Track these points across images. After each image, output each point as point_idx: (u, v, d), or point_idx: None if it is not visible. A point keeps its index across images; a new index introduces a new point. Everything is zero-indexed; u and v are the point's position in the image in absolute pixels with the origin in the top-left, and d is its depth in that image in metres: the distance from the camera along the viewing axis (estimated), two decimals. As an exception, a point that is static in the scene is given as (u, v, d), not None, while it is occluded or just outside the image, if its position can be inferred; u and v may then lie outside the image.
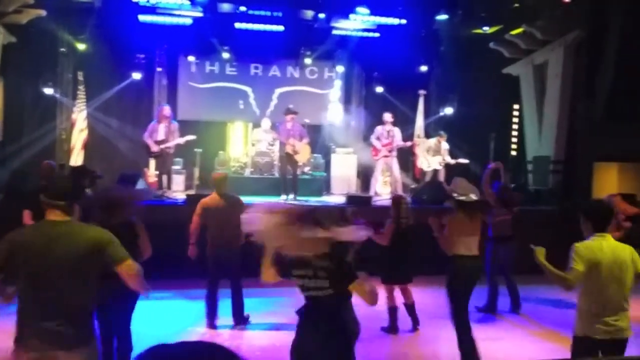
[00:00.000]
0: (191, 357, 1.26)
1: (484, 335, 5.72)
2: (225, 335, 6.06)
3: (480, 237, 5.52)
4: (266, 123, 12.27)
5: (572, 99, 11.54)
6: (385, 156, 11.11)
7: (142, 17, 11.65)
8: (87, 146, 11.90)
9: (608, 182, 12.36)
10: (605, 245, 3.73)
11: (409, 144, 11.46)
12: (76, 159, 11.69)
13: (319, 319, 3.20)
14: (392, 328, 6.23)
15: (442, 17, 11.26)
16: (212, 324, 6.22)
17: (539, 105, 12.31)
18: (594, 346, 3.67)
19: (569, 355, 3.88)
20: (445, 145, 11.56)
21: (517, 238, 6.93)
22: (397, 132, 11.22)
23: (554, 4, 10.80)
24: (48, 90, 11.63)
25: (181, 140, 10.05)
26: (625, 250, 3.77)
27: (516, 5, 11.13)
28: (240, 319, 6.35)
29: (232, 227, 5.94)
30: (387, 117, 11.25)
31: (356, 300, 3.28)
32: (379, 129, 11.28)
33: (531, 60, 12.42)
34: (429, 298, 6.84)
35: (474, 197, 5.35)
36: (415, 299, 6.37)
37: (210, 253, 6.25)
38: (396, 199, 6.46)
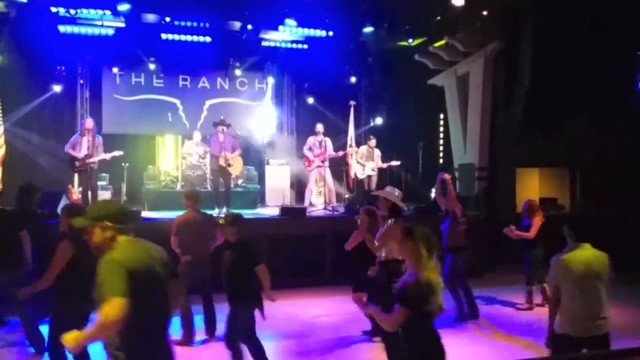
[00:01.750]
0: None
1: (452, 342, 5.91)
2: (203, 350, 5.99)
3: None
4: (197, 136, 12.08)
5: (492, 108, 12.05)
6: (318, 166, 11.19)
7: (62, 28, 11.21)
8: (4, 163, 11.27)
9: (530, 186, 12.99)
10: (580, 255, 4.06)
11: (340, 153, 11.61)
12: (-6, 176, 11.04)
13: None
14: (375, 331, 6.20)
15: (369, 29, 11.51)
16: (190, 339, 6.12)
17: (462, 115, 12.78)
18: (573, 344, 3.94)
19: (521, 356, 4.10)
20: (377, 152, 11.81)
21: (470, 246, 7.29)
22: (328, 143, 11.34)
23: (473, 17, 11.27)
24: (-40, 105, 10.93)
25: (107, 156, 9.70)
26: (602, 258, 4.13)
27: (438, 18, 11.54)
28: (214, 332, 6.30)
29: (205, 242, 6.20)
30: (319, 127, 11.37)
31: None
32: (311, 139, 11.36)
33: (454, 71, 12.89)
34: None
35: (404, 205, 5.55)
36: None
37: (183, 269, 6.06)
38: (371, 210, 6.42)
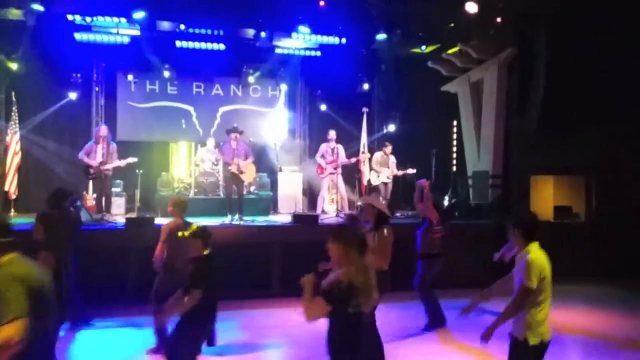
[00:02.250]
0: None
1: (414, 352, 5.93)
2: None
3: None
4: (210, 143, 12.13)
5: (506, 115, 11.98)
6: (331, 174, 11.18)
7: (79, 36, 11.36)
8: (20, 170, 11.42)
9: (545, 195, 12.87)
10: (543, 255, 3.92)
11: (353, 160, 11.59)
12: (10, 183, 11.19)
13: None
14: None
15: (382, 36, 11.51)
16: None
17: (476, 122, 12.72)
18: (545, 352, 3.83)
19: None
20: (392, 159, 11.75)
21: (446, 254, 7.14)
22: (341, 150, 11.33)
23: (487, 23, 11.22)
24: (-22, 112, 11.11)
25: (122, 163, 9.79)
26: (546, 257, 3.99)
27: (452, 25, 11.51)
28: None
29: (186, 253, 5.97)
30: (332, 134, 11.36)
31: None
32: (323, 147, 11.36)
33: (468, 78, 12.85)
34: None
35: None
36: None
37: (165, 280, 6.03)
38: (354, 218, 6.48)
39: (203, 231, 4.84)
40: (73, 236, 6.53)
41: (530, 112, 11.58)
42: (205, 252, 4.70)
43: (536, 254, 3.87)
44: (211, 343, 6.08)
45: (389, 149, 11.76)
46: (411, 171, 11.63)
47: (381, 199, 5.68)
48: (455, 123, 13.96)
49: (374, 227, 5.22)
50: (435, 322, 7.11)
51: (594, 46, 10.39)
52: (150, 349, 6.04)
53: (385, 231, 5.19)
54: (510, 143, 11.96)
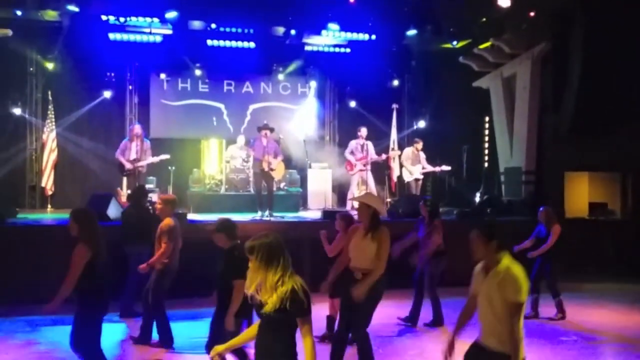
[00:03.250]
0: None
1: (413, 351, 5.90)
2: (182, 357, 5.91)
3: None
4: (241, 139, 12.24)
5: (540, 110, 11.77)
6: (361, 170, 11.16)
7: (112, 35, 11.60)
8: (57, 167, 11.72)
9: (579, 191, 12.62)
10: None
11: (383, 156, 11.51)
12: (47, 179, 11.49)
13: None
14: (328, 336, 6.14)
15: (412, 32, 11.43)
16: (170, 345, 6.05)
17: (509, 117, 12.52)
18: None
19: None
20: (422, 155, 11.64)
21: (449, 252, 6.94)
22: (370, 146, 11.28)
23: (520, 17, 11.04)
24: (17, 111, 11.44)
25: (155, 159, 9.96)
26: None
27: (483, 19, 11.35)
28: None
29: (179, 248, 6.10)
30: (363, 132, 11.29)
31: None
32: (353, 143, 11.33)
33: (500, 73, 12.66)
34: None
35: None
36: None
37: (164, 277, 6.07)
38: (348, 216, 6.42)
39: (223, 224, 4.82)
40: (150, 230, 6.70)
41: (564, 107, 11.36)
42: (232, 244, 4.73)
43: (516, 266, 3.46)
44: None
45: (419, 144, 11.63)
46: (446, 168, 11.50)
47: (373, 194, 5.46)
48: (486, 119, 13.78)
49: (369, 228, 4.93)
50: (438, 320, 6.95)
51: (630, 41, 10.13)
52: (134, 337, 6.17)
53: (383, 233, 4.91)
54: (544, 139, 11.76)
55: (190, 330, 6.56)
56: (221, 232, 4.75)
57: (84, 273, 4.42)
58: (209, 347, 4.53)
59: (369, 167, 11.17)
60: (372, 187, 11.27)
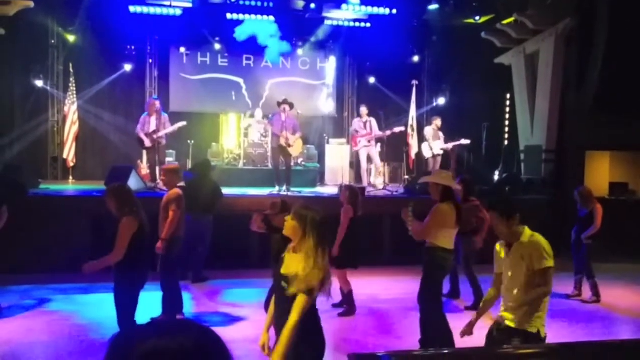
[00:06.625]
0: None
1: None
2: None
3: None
4: (259, 113, 12.25)
5: (562, 88, 11.56)
6: (365, 146, 11.08)
7: (133, 8, 11.61)
8: (78, 139, 11.87)
9: (600, 170, 12.44)
10: None
11: (388, 133, 11.31)
12: (69, 151, 11.66)
13: None
14: (351, 310, 6.39)
15: (434, 7, 11.26)
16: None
17: (530, 95, 12.33)
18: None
19: None
20: (441, 134, 11.51)
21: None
22: (374, 123, 11.11)
23: (545, -7, 10.80)
24: (39, 83, 11.57)
25: (174, 128, 9.89)
26: None
27: (507, -6, 11.13)
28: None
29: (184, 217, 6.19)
30: (362, 110, 11.18)
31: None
32: (356, 122, 11.25)
33: (523, 49, 12.42)
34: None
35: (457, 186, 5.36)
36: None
37: (177, 249, 6.10)
38: (355, 190, 6.49)
39: (284, 206, 5.07)
40: (215, 201, 7.61)
41: (588, 86, 11.14)
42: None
43: (538, 235, 3.52)
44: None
45: (438, 121, 11.48)
46: (465, 141, 11.36)
47: (444, 173, 5.45)
48: (508, 96, 13.58)
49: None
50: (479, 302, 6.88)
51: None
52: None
53: (436, 208, 4.97)
54: (566, 117, 11.56)
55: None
56: (286, 212, 4.80)
57: (131, 244, 4.50)
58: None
59: (373, 143, 11.10)
60: (378, 162, 11.26)
